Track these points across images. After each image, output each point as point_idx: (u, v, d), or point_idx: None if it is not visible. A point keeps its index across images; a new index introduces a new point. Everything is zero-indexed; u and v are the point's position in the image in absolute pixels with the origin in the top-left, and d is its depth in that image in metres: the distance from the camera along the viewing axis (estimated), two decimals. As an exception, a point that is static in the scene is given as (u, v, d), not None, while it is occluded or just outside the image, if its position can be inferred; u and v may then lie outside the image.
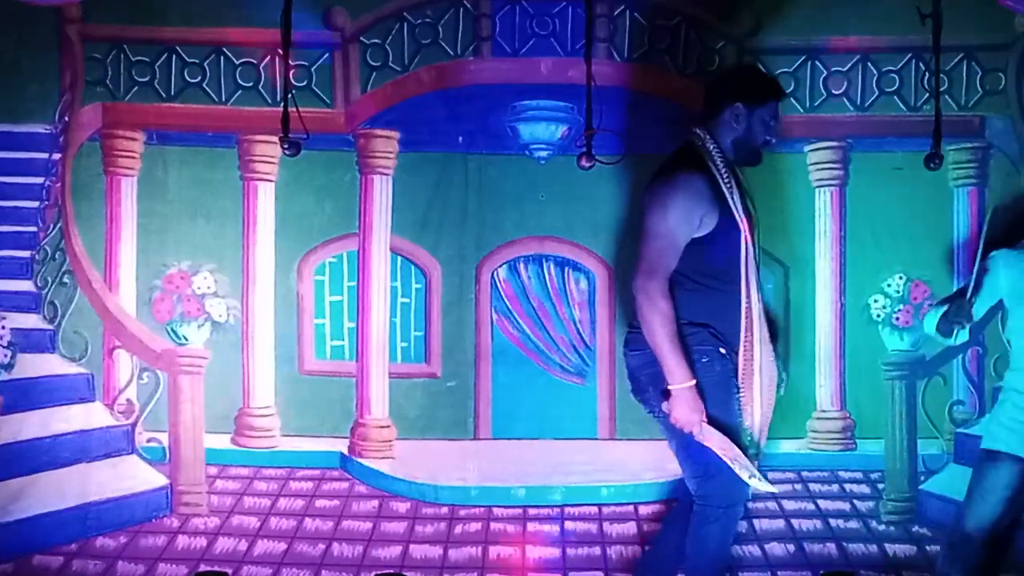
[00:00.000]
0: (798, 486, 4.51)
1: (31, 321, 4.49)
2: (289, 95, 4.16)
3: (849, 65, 4.47)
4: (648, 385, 3.60)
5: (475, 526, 4.47)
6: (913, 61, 4.45)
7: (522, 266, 4.62)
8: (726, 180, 3.48)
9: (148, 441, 4.54)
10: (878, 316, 4.47)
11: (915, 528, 4.42)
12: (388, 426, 4.57)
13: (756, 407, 3.57)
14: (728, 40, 4.45)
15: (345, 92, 4.53)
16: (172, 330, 4.54)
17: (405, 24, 4.49)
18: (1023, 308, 3.79)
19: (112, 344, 4.54)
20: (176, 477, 4.52)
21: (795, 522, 4.47)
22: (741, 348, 3.51)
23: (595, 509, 4.52)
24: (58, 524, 4.38)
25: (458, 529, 4.47)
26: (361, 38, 4.52)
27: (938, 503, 4.37)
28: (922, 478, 4.46)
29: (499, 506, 4.51)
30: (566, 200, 4.51)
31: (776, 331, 3.75)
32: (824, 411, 4.54)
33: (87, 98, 4.52)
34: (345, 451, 4.59)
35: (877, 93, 4.48)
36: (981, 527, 3.69)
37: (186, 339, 4.55)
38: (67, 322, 4.51)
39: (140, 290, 4.55)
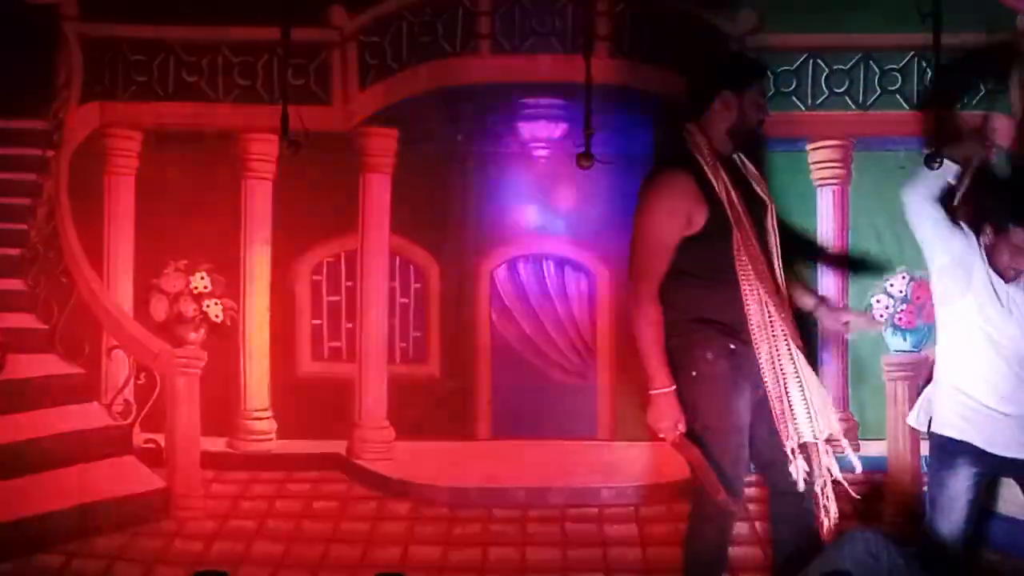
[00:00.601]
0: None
1: (24, 320, 4.48)
2: (287, 94, 4.15)
3: (851, 63, 4.45)
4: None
5: (475, 527, 4.45)
6: (915, 59, 4.43)
7: (521, 265, 4.61)
8: (716, 174, 3.46)
9: (145, 443, 4.52)
10: (881, 316, 4.44)
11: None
12: (387, 427, 4.56)
13: (787, 397, 3.52)
14: (729, 38, 4.43)
15: (344, 90, 4.52)
16: (169, 330, 4.52)
17: (404, 22, 4.49)
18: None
19: (110, 344, 4.52)
20: (173, 479, 4.49)
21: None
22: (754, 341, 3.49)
23: (595, 510, 4.50)
24: (57, 524, 4.35)
25: (458, 530, 4.44)
26: (360, 36, 4.51)
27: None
28: (925, 479, 4.43)
29: (499, 507, 4.48)
30: (566, 198, 4.50)
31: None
32: (826, 412, 4.51)
33: (85, 97, 4.52)
34: (343, 453, 4.56)
35: (879, 91, 4.46)
36: (955, 534, 3.69)
37: (183, 339, 4.52)
38: (64, 322, 4.49)
39: (137, 290, 4.53)
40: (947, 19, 4.17)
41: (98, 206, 4.52)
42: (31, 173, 4.51)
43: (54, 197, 4.48)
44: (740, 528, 4.36)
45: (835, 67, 4.44)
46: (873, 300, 4.46)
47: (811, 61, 4.45)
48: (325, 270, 4.61)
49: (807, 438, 3.50)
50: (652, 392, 3.45)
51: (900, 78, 4.44)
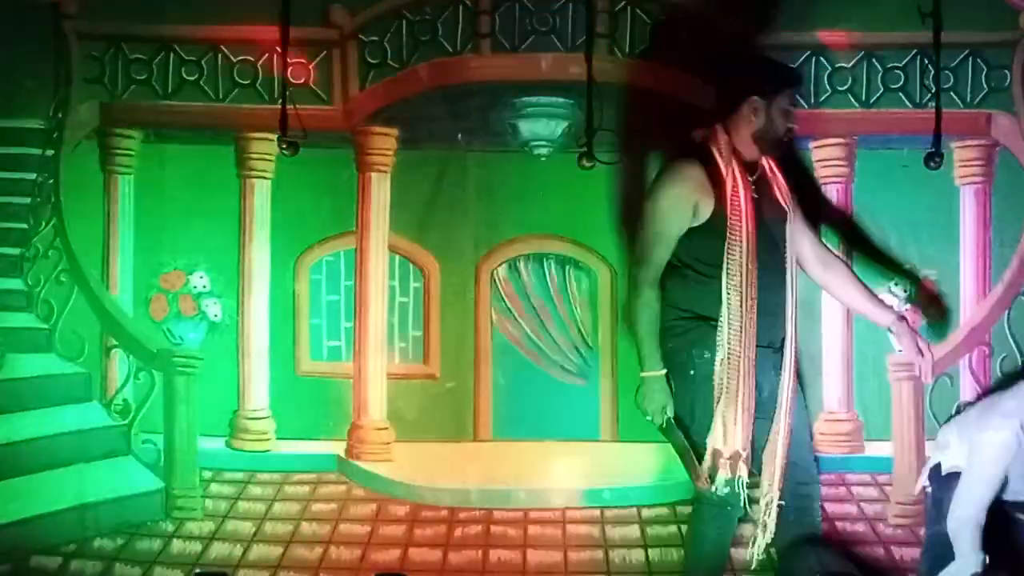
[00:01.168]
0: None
1: (22, 320, 4.46)
2: (287, 93, 4.14)
3: (854, 61, 4.42)
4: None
5: (475, 529, 4.42)
6: (918, 57, 4.40)
7: (522, 265, 4.59)
8: (729, 170, 3.45)
9: (143, 443, 4.50)
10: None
11: (922, 531, 4.35)
12: (386, 428, 4.52)
13: (730, 419, 3.49)
14: (731, 36, 4.40)
15: (343, 89, 4.50)
16: (168, 330, 4.51)
17: (404, 21, 4.46)
18: None
19: (109, 343, 4.50)
20: (171, 480, 4.47)
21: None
22: (721, 348, 3.47)
23: (597, 512, 4.46)
24: (55, 525, 4.34)
25: (458, 532, 4.41)
26: (360, 35, 4.49)
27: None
28: (929, 480, 4.39)
29: (499, 509, 4.45)
30: (567, 198, 4.47)
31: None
32: (832, 413, 4.47)
33: (85, 96, 4.50)
34: (342, 454, 4.54)
35: (882, 89, 4.43)
36: None
37: (182, 339, 4.51)
38: (63, 321, 4.48)
39: (136, 289, 4.51)
40: (949, 18, 4.18)
41: (98, 205, 4.51)
42: (31, 172, 4.49)
43: (54, 196, 4.47)
44: (741, 528, 4.35)
45: (838, 65, 4.42)
46: (877, 299, 4.43)
47: (814, 59, 4.42)
48: (324, 269, 4.59)
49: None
50: (643, 374, 3.51)
51: (903, 76, 4.41)
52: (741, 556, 4.20)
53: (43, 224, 4.48)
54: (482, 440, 4.53)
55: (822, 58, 4.42)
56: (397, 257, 4.56)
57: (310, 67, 4.47)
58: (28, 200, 4.49)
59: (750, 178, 3.54)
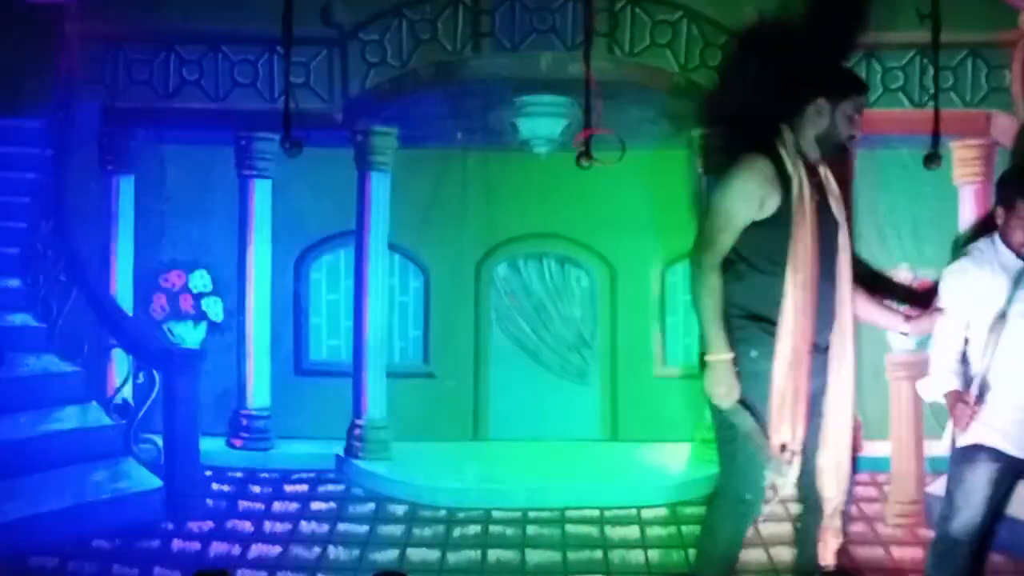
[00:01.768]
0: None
1: (21, 319, 4.47)
2: (288, 92, 4.15)
3: (853, 61, 4.42)
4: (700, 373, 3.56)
5: (474, 529, 4.41)
6: (917, 58, 4.40)
7: (522, 264, 4.60)
8: (795, 169, 3.49)
9: (143, 443, 4.49)
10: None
11: (921, 531, 4.35)
12: (385, 427, 4.53)
13: (787, 416, 3.50)
14: (730, 35, 4.41)
15: (343, 89, 4.50)
16: (168, 329, 4.51)
17: (404, 20, 4.47)
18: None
19: (108, 343, 4.50)
20: (171, 479, 4.46)
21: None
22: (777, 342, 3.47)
23: (596, 512, 4.45)
24: (54, 525, 4.31)
25: (457, 532, 4.40)
26: (360, 35, 4.50)
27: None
28: (928, 480, 4.38)
29: (498, 508, 4.44)
30: (566, 197, 4.48)
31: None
32: (830, 412, 4.46)
33: (85, 96, 4.51)
34: (341, 453, 4.54)
35: (882, 89, 4.43)
36: (968, 531, 3.63)
37: (182, 338, 4.51)
38: (63, 320, 4.48)
39: (137, 289, 4.52)
40: (949, 18, 4.18)
41: (98, 205, 4.52)
42: (31, 172, 4.51)
43: (54, 196, 4.48)
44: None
45: (838, 65, 4.43)
46: (876, 298, 4.43)
47: (813, 58, 4.43)
48: (324, 269, 4.60)
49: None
50: (708, 358, 3.45)
51: (903, 76, 4.42)
52: (744, 557, 4.23)
53: (43, 224, 4.48)
54: (481, 439, 4.54)
55: (822, 57, 4.44)
56: (397, 256, 4.58)
57: (310, 67, 4.48)
58: (28, 200, 4.50)
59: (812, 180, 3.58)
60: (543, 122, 4.46)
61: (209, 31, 4.48)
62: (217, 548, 4.38)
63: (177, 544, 4.40)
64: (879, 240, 4.40)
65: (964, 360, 3.60)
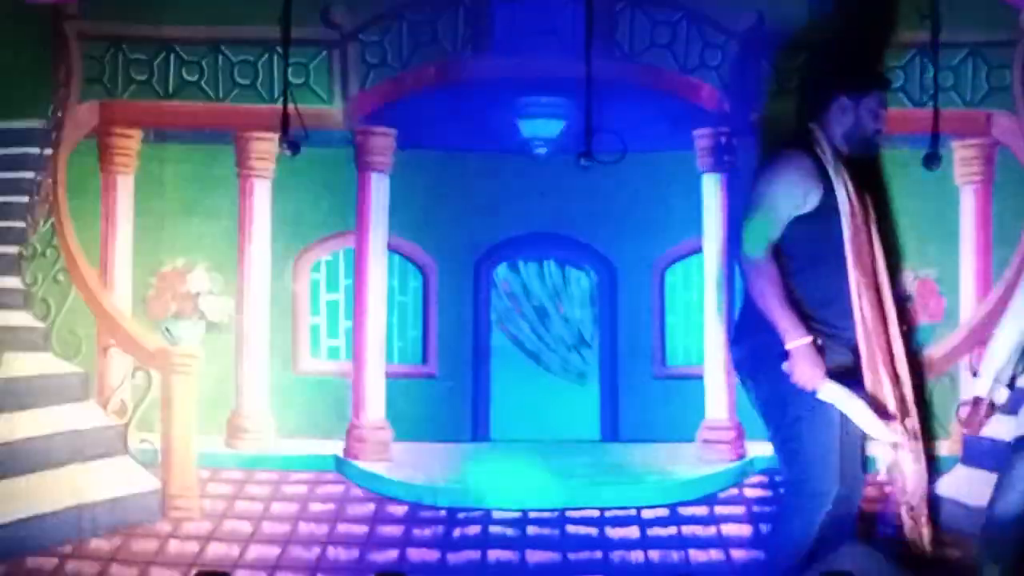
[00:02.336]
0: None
1: (19, 319, 4.45)
2: (288, 92, 4.15)
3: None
4: (749, 375, 3.61)
5: (474, 529, 4.39)
6: (917, 57, 4.41)
7: (522, 264, 4.60)
8: (834, 165, 3.50)
9: (140, 442, 4.48)
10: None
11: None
12: (385, 427, 4.52)
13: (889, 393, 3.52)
14: (730, 36, 4.42)
15: (343, 89, 4.51)
16: (166, 329, 4.50)
17: (404, 21, 4.48)
18: None
19: (106, 343, 4.49)
20: (168, 480, 4.45)
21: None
22: (859, 337, 3.50)
23: (596, 512, 4.43)
24: (52, 525, 4.30)
25: (456, 532, 4.38)
26: (360, 35, 4.50)
27: (947, 505, 4.28)
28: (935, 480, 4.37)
29: (498, 509, 4.41)
30: (566, 197, 4.48)
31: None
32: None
33: (85, 96, 4.51)
34: (341, 453, 4.53)
35: (881, 89, 4.43)
36: (1015, 516, 3.63)
37: (180, 338, 4.50)
38: (61, 320, 4.46)
39: (135, 288, 4.51)
40: (949, 18, 4.19)
41: (97, 205, 4.52)
42: (30, 171, 4.49)
43: (53, 195, 4.47)
44: (743, 529, 4.34)
45: (837, 64, 4.44)
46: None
47: (813, 58, 4.44)
48: (324, 269, 4.60)
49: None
50: (788, 347, 3.44)
51: (903, 76, 4.42)
52: (741, 557, 4.22)
53: (41, 223, 4.47)
54: (481, 440, 4.53)
55: (821, 58, 4.44)
56: (396, 256, 4.58)
57: (310, 67, 4.49)
58: (27, 199, 4.49)
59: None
60: (543, 122, 4.47)
61: (209, 31, 4.48)
62: (215, 549, 4.36)
63: (175, 545, 4.38)
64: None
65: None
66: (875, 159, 3.98)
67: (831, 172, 3.52)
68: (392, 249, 4.54)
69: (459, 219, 4.51)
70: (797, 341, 3.43)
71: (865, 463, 3.74)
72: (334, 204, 4.54)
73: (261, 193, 4.54)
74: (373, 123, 4.51)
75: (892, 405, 3.57)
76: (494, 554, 4.31)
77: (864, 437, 3.62)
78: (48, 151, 4.47)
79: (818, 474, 3.49)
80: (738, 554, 4.25)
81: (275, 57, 4.41)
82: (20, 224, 4.48)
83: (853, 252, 3.50)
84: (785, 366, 3.45)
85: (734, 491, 4.46)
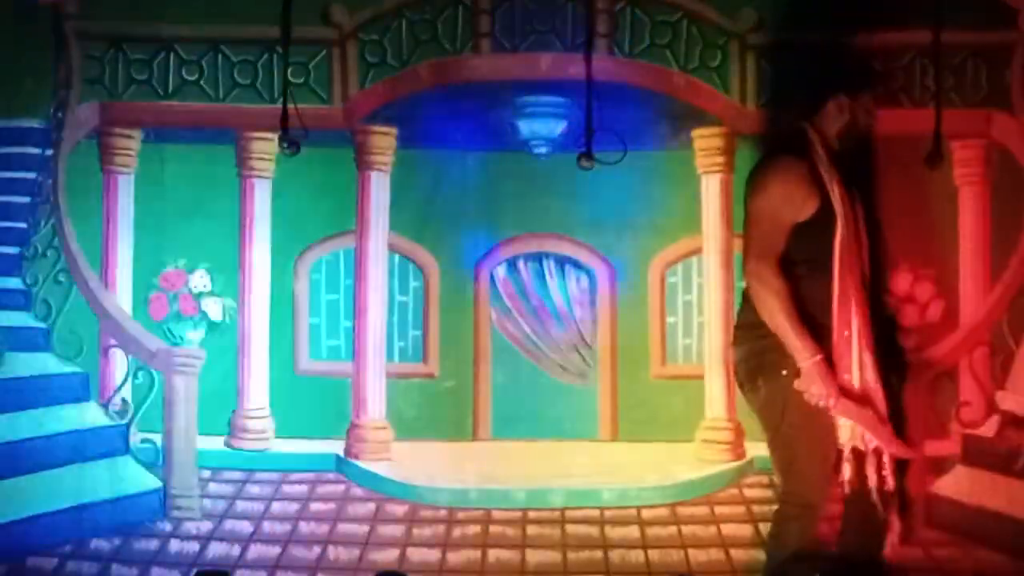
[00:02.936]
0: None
1: (20, 319, 4.46)
2: (288, 92, 4.15)
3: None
4: (746, 379, 3.57)
5: (474, 529, 4.39)
6: (917, 58, 4.40)
7: (522, 264, 4.60)
8: (828, 168, 3.49)
9: (142, 442, 4.48)
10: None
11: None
12: (385, 427, 4.52)
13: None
14: (730, 36, 4.42)
15: (343, 89, 4.51)
16: (168, 329, 4.51)
17: (403, 20, 4.47)
18: None
19: (107, 343, 4.50)
20: (169, 480, 4.46)
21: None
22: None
23: (596, 512, 4.44)
24: (53, 525, 4.32)
25: (456, 532, 4.39)
26: (359, 34, 4.50)
27: (946, 505, 4.29)
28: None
29: (498, 509, 4.43)
30: (566, 197, 4.48)
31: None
32: (830, 412, 4.46)
33: (85, 96, 4.51)
34: (341, 453, 4.54)
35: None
36: None
37: (181, 338, 4.50)
38: (62, 320, 4.47)
39: (136, 288, 4.52)
40: (949, 18, 4.18)
41: (97, 205, 4.52)
42: (30, 172, 4.50)
43: (53, 195, 4.47)
44: (743, 529, 4.35)
45: (837, 65, 4.43)
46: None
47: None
48: (324, 269, 4.60)
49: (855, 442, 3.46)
50: (800, 366, 3.38)
51: (903, 76, 4.41)
52: (741, 557, 4.22)
53: (42, 223, 4.48)
54: (481, 439, 4.54)
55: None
56: (397, 256, 4.57)
57: (310, 67, 4.48)
58: (27, 199, 4.49)
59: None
60: (543, 123, 4.47)
61: (209, 31, 4.48)
62: (216, 548, 4.37)
63: (176, 544, 4.39)
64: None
65: None
66: (871, 159, 3.99)
67: (825, 175, 3.50)
68: (392, 249, 4.54)
69: (459, 219, 4.50)
70: (809, 359, 3.37)
71: None
72: (334, 204, 4.54)
73: (261, 193, 4.54)
74: (373, 123, 4.51)
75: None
76: (494, 554, 4.32)
77: None
78: (48, 151, 4.47)
79: (811, 484, 3.49)
80: (738, 554, 4.25)
81: (275, 57, 4.41)
82: (21, 224, 4.49)
83: (840, 259, 3.43)
84: (797, 383, 3.42)
85: (734, 491, 4.46)
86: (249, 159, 4.53)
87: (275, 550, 4.35)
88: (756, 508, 4.32)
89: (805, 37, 4.28)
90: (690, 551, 4.29)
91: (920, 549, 4.25)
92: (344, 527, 4.43)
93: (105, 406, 4.49)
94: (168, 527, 4.42)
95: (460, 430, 4.51)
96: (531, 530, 4.39)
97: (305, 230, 4.55)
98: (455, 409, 4.51)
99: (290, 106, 4.20)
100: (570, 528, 4.40)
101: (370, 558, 4.31)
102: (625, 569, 4.27)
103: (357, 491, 4.51)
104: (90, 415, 4.47)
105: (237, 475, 4.51)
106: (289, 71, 4.29)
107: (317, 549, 4.35)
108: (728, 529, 4.35)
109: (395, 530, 4.41)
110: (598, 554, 4.32)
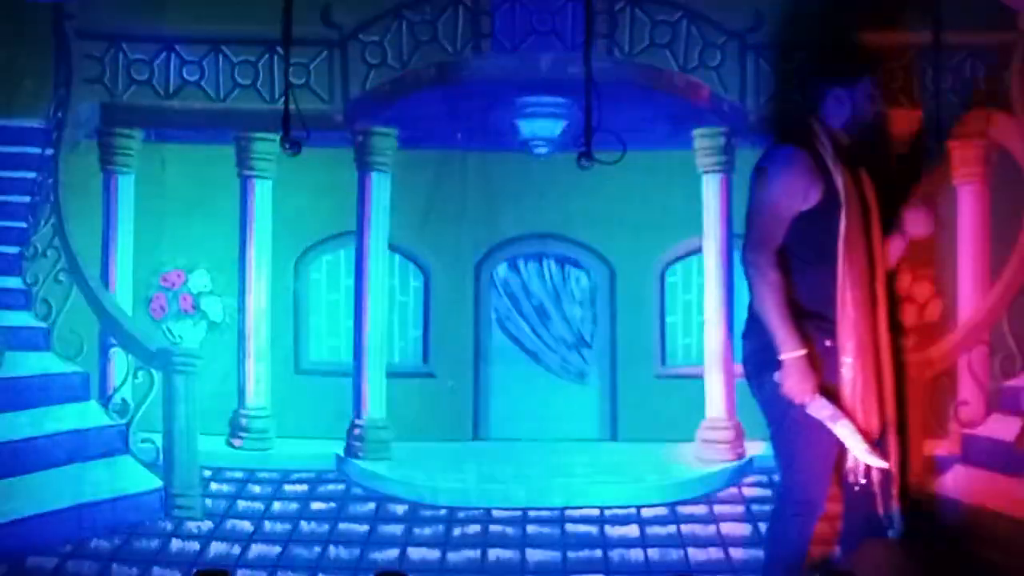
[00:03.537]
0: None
1: (20, 318, 4.46)
2: (288, 92, 4.16)
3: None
4: (753, 373, 3.60)
5: (474, 528, 4.40)
6: (917, 58, 4.40)
7: (522, 264, 4.60)
8: (833, 158, 3.49)
9: (142, 442, 4.48)
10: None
11: (921, 530, 4.35)
12: (385, 427, 4.52)
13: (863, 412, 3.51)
14: (729, 35, 4.42)
15: (344, 89, 4.50)
16: (168, 329, 4.51)
17: (404, 21, 4.47)
18: None
19: (107, 342, 4.49)
20: (170, 479, 4.46)
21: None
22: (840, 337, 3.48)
23: (596, 511, 4.45)
24: (53, 525, 4.32)
25: (457, 531, 4.40)
26: (360, 35, 4.49)
27: (946, 505, 4.29)
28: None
29: (498, 508, 4.44)
30: (567, 197, 4.49)
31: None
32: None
33: (85, 96, 4.51)
34: (341, 452, 4.54)
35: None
36: None
37: (181, 338, 4.51)
38: (62, 320, 4.47)
39: (136, 288, 4.52)
40: (949, 18, 4.19)
41: (97, 205, 4.52)
42: (30, 171, 4.50)
43: (53, 195, 4.47)
44: (742, 529, 4.35)
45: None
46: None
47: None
48: (324, 269, 4.61)
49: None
50: (785, 356, 3.43)
51: (903, 76, 4.41)
52: (740, 556, 4.23)
53: (42, 223, 4.48)
54: (481, 439, 4.54)
55: (821, 58, 4.44)
56: (397, 256, 4.58)
57: (310, 67, 4.48)
58: (27, 199, 4.49)
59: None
60: (543, 123, 4.47)
61: (209, 31, 4.48)
62: (216, 548, 4.38)
63: (176, 544, 4.40)
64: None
65: None
66: (880, 153, 4.00)
67: (831, 167, 3.52)
68: (393, 249, 4.54)
69: (459, 219, 4.50)
70: (791, 353, 3.42)
71: None
72: (334, 204, 4.54)
73: (262, 193, 4.53)
74: (373, 123, 4.51)
75: (870, 404, 3.54)
76: (494, 553, 4.33)
77: None
78: (48, 151, 4.47)
79: (810, 482, 3.50)
80: (737, 553, 4.26)
81: (275, 57, 4.41)
82: (21, 224, 4.49)
83: (844, 248, 3.49)
84: (777, 376, 3.45)
85: (733, 490, 4.47)
86: (249, 159, 4.52)
87: (275, 549, 4.37)
88: (756, 507, 4.33)
89: (805, 37, 4.28)
90: (689, 550, 4.30)
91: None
92: (344, 526, 4.44)
93: (105, 406, 4.49)
94: (168, 526, 4.43)
95: (460, 430, 4.52)
96: (531, 529, 4.40)
97: (305, 230, 4.55)
98: (455, 409, 4.51)
99: (291, 106, 4.21)
100: (570, 527, 4.41)
101: (370, 557, 4.32)
102: (624, 568, 4.28)
103: (357, 490, 4.51)
104: (90, 414, 4.47)
105: (237, 474, 4.52)
106: (290, 71, 4.30)
107: (317, 548, 4.36)
108: (727, 528, 4.36)
109: (395, 529, 4.42)
110: (597, 553, 4.33)
